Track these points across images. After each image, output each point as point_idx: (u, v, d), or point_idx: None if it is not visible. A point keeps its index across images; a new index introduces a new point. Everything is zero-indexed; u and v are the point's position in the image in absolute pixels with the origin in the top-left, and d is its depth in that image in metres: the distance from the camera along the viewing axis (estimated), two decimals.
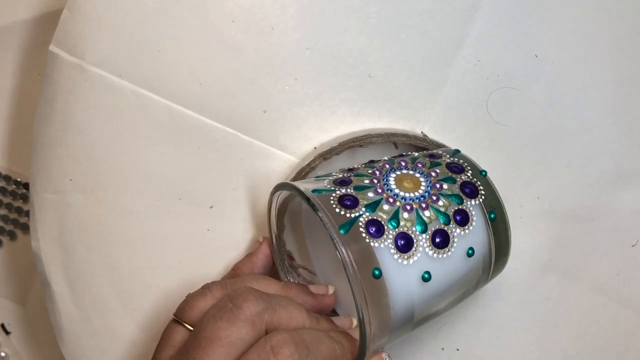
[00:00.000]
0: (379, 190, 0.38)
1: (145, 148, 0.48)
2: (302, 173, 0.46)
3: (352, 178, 0.39)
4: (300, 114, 0.48)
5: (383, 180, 0.39)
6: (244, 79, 0.47)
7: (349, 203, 0.37)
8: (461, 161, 0.42)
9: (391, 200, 0.37)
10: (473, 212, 0.39)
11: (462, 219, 0.39)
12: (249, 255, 0.47)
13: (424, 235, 0.37)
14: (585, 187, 0.48)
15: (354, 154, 0.48)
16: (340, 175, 0.40)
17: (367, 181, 0.39)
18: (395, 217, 0.37)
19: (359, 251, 0.35)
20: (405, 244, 0.36)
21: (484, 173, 0.41)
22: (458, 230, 0.38)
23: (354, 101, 0.47)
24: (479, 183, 0.40)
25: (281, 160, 0.48)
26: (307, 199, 0.37)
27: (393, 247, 0.36)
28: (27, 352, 0.62)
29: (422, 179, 0.39)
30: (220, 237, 0.49)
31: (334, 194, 0.37)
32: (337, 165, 0.48)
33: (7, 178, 0.61)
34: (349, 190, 0.38)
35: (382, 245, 0.36)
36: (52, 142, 0.49)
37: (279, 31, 0.47)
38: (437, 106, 0.48)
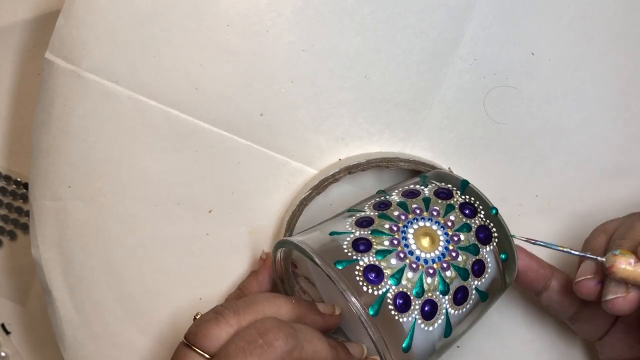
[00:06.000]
0: (402, 255, 0.38)
1: (142, 153, 0.48)
2: (325, 183, 0.46)
3: (372, 239, 0.38)
4: (297, 116, 0.47)
5: (402, 238, 0.38)
6: (240, 83, 0.47)
7: (373, 277, 0.37)
8: (472, 199, 0.41)
9: (414, 266, 0.38)
10: (488, 260, 0.40)
11: (479, 269, 0.39)
12: (254, 274, 0.46)
13: (446, 297, 0.38)
14: (584, 184, 0.48)
15: (380, 173, 0.48)
16: (357, 234, 0.39)
17: (387, 242, 0.38)
18: (419, 284, 0.37)
19: (388, 330, 0.36)
20: (430, 312, 0.37)
21: (494, 211, 0.41)
22: (476, 282, 0.39)
23: (351, 103, 0.47)
24: (491, 225, 0.41)
25: (279, 163, 0.48)
26: (334, 274, 0.37)
27: (419, 317, 0.37)
28: (27, 352, 0.62)
29: (439, 232, 0.39)
30: (219, 241, 0.49)
31: (357, 266, 0.37)
32: (361, 182, 0.48)
33: (7, 178, 0.61)
34: (371, 258, 0.38)
35: (409, 319, 0.37)
36: (49, 149, 0.49)
37: (274, 34, 0.46)
38: (434, 106, 0.48)
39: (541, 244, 0.39)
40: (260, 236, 0.49)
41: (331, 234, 0.39)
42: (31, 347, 0.62)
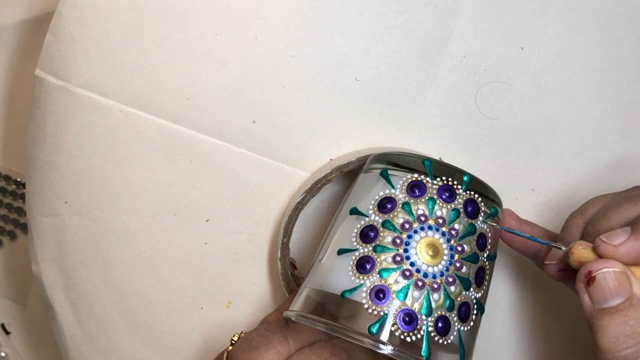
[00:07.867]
0: (407, 274, 0.37)
1: (137, 166, 0.48)
2: (318, 185, 0.46)
3: (375, 257, 0.38)
4: (289, 121, 0.47)
5: (404, 251, 0.38)
6: (231, 91, 0.47)
7: (381, 297, 0.37)
8: (476, 196, 0.40)
9: (420, 284, 0.37)
10: (487, 265, 0.40)
11: (481, 277, 0.39)
12: (278, 311, 0.46)
13: (454, 312, 0.37)
14: (579, 175, 0.48)
15: None
16: (362, 251, 0.38)
17: (390, 259, 0.38)
18: (428, 305, 0.37)
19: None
20: (443, 327, 0.37)
21: (494, 210, 0.40)
22: (478, 294, 0.39)
23: (342, 105, 0.47)
24: (488, 230, 0.40)
25: (274, 169, 0.48)
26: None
27: (434, 330, 0.36)
28: (27, 352, 0.62)
29: (444, 244, 0.38)
30: (218, 250, 0.49)
31: (363, 292, 0.37)
32: (353, 179, 0.47)
33: (7, 178, 0.61)
34: (375, 278, 0.37)
35: (418, 336, 0.36)
36: (44, 165, 0.49)
37: (263, 41, 0.46)
38: (426, 105, 0.48)
39: (505, 229, 0.40)
40: (259, 243, 0.49)
41: (339, 252, 0.39)
42: (31, 347, 0.62)
